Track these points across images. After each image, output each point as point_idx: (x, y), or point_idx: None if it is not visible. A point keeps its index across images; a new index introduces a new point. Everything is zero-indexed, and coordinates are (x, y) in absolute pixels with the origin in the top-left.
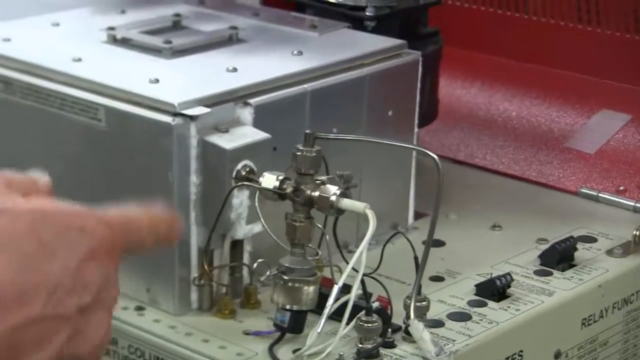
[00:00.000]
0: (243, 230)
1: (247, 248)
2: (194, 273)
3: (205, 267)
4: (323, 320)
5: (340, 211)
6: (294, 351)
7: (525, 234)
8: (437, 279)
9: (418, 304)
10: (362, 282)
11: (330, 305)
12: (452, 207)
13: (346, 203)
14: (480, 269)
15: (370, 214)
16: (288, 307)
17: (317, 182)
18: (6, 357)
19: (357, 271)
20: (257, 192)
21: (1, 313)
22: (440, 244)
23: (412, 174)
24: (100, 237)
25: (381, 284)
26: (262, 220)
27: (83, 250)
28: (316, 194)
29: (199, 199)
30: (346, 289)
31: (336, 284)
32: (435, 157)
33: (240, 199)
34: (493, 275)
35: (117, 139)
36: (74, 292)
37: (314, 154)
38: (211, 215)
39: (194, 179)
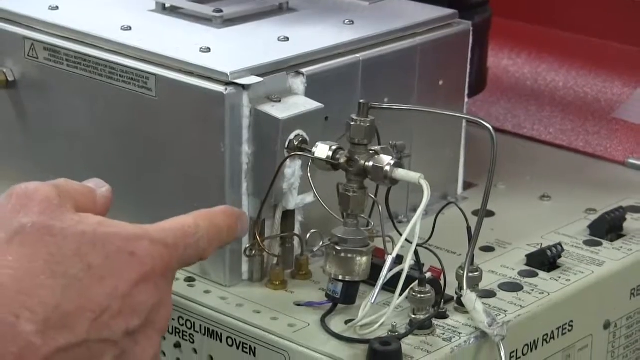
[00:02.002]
0: (295, 200)
1: (299, 218)
2: (245, 244)
3: (257, 237)
4: (377, 291)
5: (394, 181)
6: (347, 322)
7: (574, 204)
8: (488, 249)
9: (471, 274)
10: (416, 252)
11: (384, 275)
12: (501, 177)
13: (400, 173)
14: (530, 239)
15: (425, 184)
16: (341, 277)
17: (371, 152)
18: None
19: (409, 242)
20: (310, 162)
21: (45, 336)
22: (490, 214)
23: (462, 145)
24: (154, 260)
25: (435, 254)
26: (314, 190)
27: (134, 275)
28: (370, 164)
29: (251, 169)
30: (398, 259)
31: (389, 254)
32: (490, 127)
33: (293, 169)
34: (543, 246)
35: (168, 108)
36: (121, 316)
37: (368, 124)
38: (263, 185)
39: (246, 148)
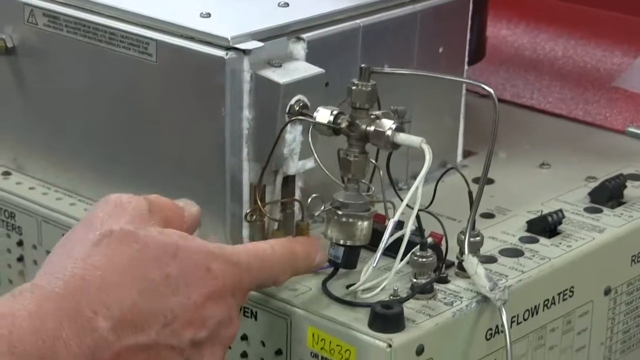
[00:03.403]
0: (296, 166)
1: (299, 184)
2: (246, 209)
3: (258, 202)
4: (379, 255)
5: (395, 146)
6: (348, 286)
7: (573, 172)
8: (488, 215)
9: (472, 239)
10: (418, 217)
11: (386, 238)
12: (501, 145)
13: (402, 137)
14: (531, 206)
15: (427, 148)
16: (342, 242)
17: (372, 116)
18: None
19: (411, 207)
20: (311, 127)
21: (118, 333)
22: (489, 181)
23: (462, 112)
24: (226, 279)
25: (437, 218)
26: (315, 155)
27: (206, 289)
28: (372, 128)
29: (252, 135)
30: (399, 225)
31: (390, 219)
32: (492, 90)
33: (294, 135)
34: (544, 212)
35: (168, 73)
36: (190, 326)
37: (370, 89)
38: (263, 150)
39: (246, 114)
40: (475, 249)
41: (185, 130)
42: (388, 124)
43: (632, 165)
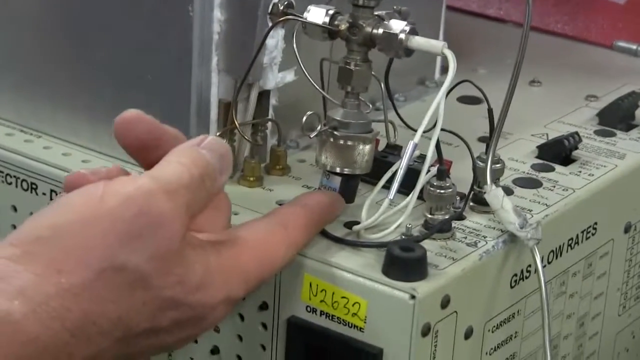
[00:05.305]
0: (275, 78)
1: (272, 101)
2: (214, 131)
3: (235, 122)
4: (397, 184)
5: (408, 52)
6: (347, 225)
7: (569, 90)
8: (487, 139)
9: (493, 166)
10: (438, 141)
11: (405, 165)
12: (478, 60)
13: (419, 41)
14: (533, 128)
15: (450, 55)
16: (339, 169)
17: (376, 17)
18: None
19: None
20: (295, 31)
21: None
22: (477, 101)
23: (442, 25)
24: (216, 322)
25: (464, 140)
26: (301, 64)
27: (194, 332)
28: (379, 31)
29: (223, 40)
30: (398, 150)
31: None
32: None
33: (276, 40)
34: (551, 136)
35: None
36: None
37: None
38: (236, 60)
39: (218, 14)
40: (495, 178)
41: (144, 36)
42: (400, 26)
43: (632, 83)
